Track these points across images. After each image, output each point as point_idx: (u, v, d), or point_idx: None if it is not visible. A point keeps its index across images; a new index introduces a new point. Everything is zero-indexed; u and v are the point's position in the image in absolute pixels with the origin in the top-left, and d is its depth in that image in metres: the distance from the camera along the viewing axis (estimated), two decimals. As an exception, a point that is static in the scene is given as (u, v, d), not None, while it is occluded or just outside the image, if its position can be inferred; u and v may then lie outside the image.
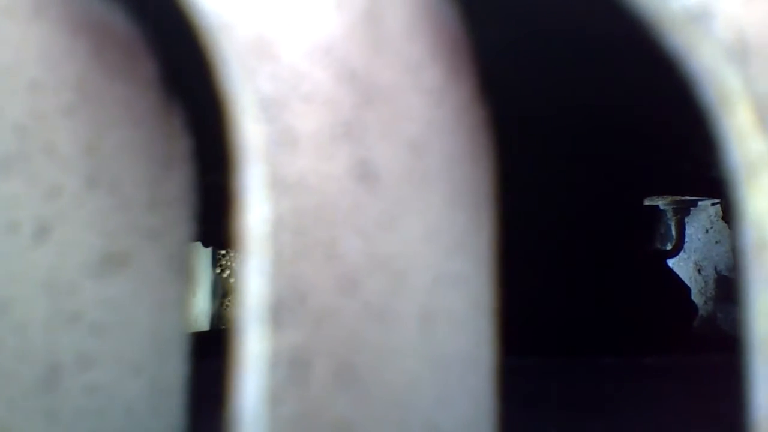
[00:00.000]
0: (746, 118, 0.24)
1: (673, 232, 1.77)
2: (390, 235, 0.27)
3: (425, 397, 0.31)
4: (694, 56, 0.24)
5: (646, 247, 1.44)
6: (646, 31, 0.25)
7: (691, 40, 0.24)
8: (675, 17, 0.24)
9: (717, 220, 1.84)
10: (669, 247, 1.77)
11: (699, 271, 1.89)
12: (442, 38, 0.32)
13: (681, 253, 1.83)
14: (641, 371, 0.93)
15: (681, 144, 1.11)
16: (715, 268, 1.85)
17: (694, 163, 1.21)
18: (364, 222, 0.26)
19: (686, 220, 1.79)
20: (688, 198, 1.68)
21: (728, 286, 1.79)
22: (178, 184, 0.33)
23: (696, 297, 1.83)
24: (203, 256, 2.01)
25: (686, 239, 1.81)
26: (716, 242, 1.87)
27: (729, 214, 1.67)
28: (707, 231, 1.90)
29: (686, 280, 1.88)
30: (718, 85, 0.24)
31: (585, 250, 1.14)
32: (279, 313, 0.22)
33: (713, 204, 1.82)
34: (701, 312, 1.86)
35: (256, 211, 0.22)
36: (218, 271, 2.05)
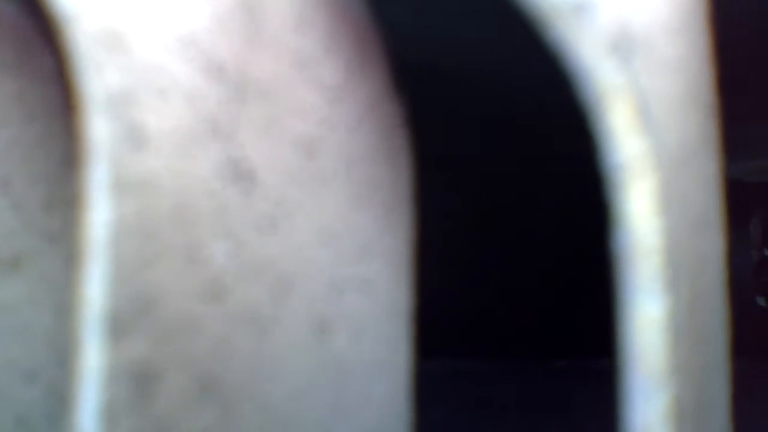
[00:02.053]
0: (626, 116, 0.22)
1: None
2: (271, 238, 0.26)
3: (319, 406, 0.29)
4: (574, 50, 0.23)
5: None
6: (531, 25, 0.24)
7: (571, 34, 0.23)
8: (555, 9, 0.23)
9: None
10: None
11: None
12: (342, 29, 0.30)
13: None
14: (599, 373, 0.91)
15: None
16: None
17: None
18: (237, 225, 0.25)
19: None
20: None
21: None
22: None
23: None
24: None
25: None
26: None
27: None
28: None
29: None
30: (599, 81, 0.22)
31: (550, 252, 1.13)
32: (119, 323, 0.21)
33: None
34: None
35: (96, 213, 0.20)
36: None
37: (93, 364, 0.21)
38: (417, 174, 0.35)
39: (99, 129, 0.21)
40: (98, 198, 0.21)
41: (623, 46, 0.23)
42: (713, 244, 0.25)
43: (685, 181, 0.24)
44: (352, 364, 0.30)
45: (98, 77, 0.22)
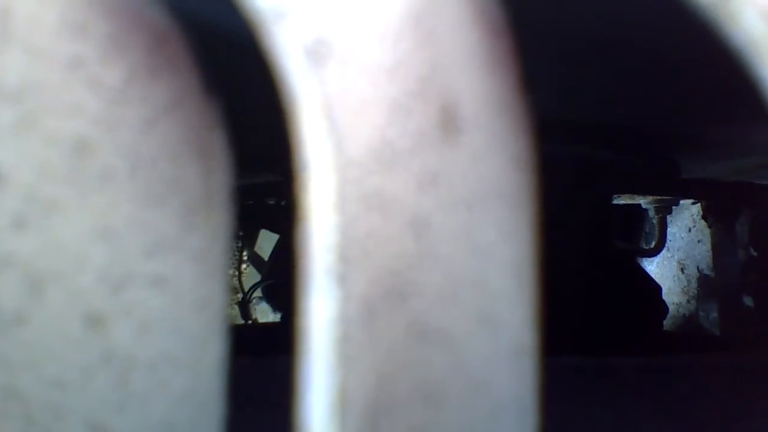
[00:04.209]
0: (312, 119, 0.23)
1: (656, 231, 1.76)
2: (22, 235, 0.27)
3: (97, 398, 0.30)
4: (274, 55, 0.24)
5: (613, 246, 1.42)
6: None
7: (272, 39, 0.24)
8: (260, 15, 0.24)
9: (699, 219, 1.82)
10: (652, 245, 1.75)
11: (682, 269, 1.87)
12: (129, 32, 0.31)
13: (665, 252, 1.81)
14: (599, 372, 0.91)
15: (643, 143, 1.10)
16: (698, 267, 1.83)
17: (660, 163, 1.20)
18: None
19: (669, 218, 1.77)
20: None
21: (710, 285, 1.77)
22: None
23: (679, 296, 1.82)
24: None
25: (670, 238, 1.79)
26: (698, 241, 1.85)
27: (709, 215, 1.65)
28: (690, 230, 1.88)
29: (669, 279, 1.86)
30: (292, 85, 0.23)
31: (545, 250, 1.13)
32: None
33: (694, 203, 1.81)
34: (683, 311, 1.84)
35: None
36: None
37: None
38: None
39: None
40: None
41: (317, 52, 0.23)
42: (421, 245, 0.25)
43: (399, 181, 0.25)
44: (140, 359, 0.31)
45: None
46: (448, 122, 0.28)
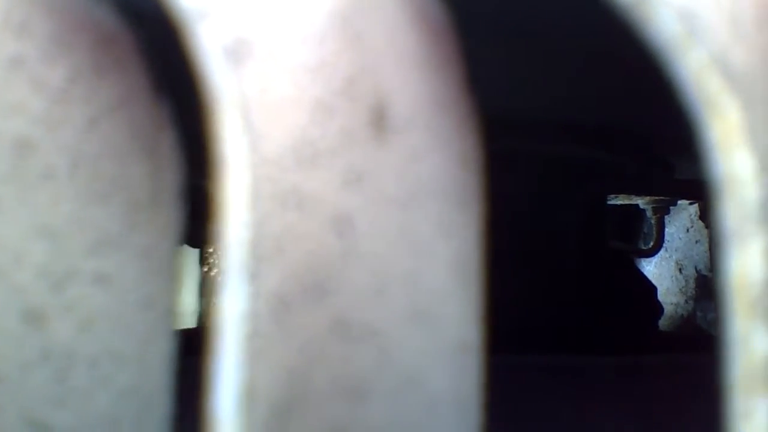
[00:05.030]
0: (233, 120, 0.23)
1: (654, 231, 1.75)
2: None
3: (39, 393, 0.31)
4: (199, 56, 0.24)
5: (607, 246, 1.42)
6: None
7: (194, 39, 0.24)
8: (184, 15, 0.24)
9: (697, 220, 1.82)
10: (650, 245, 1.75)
11: (680, 270, 1.87)
12: (73, 33, 0.32)
13: (663, 252, 1.81)
14: (592, 371, 0.92)
15: (641, 144, 1.10)
16: (695, 268, 1.83)
17: (656, 163, 1.20)
18: None
19: (667, 219, 1.77)
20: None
21: (708, 286, 1.77)
22: None
23: (676, 296, 1.81)
24: (190, 255, 2.03)
25: (667, 238, 1.79)
26: (696, 242, 1.85)
27: (706, 215, 1.65)
28: (688, 230, 1.88)
29: (667, 279, 1.86)
30: (212, 85, 0.24)
31: (538, 249, 1.13)
32: None
33: (691, 203, 1.81)
34: (681, 311, 1.84)
35: None
36: (205, 269, 2.08)
37: None
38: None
39: None
40: None
41: (236, 52, 0.24)
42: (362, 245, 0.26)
43: (320, 179, 0.25)
44: (81, 354, 0.32)
45: None
46: (379, 121, 0.28)
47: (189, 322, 1.94)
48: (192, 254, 1.99)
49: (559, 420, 0.59)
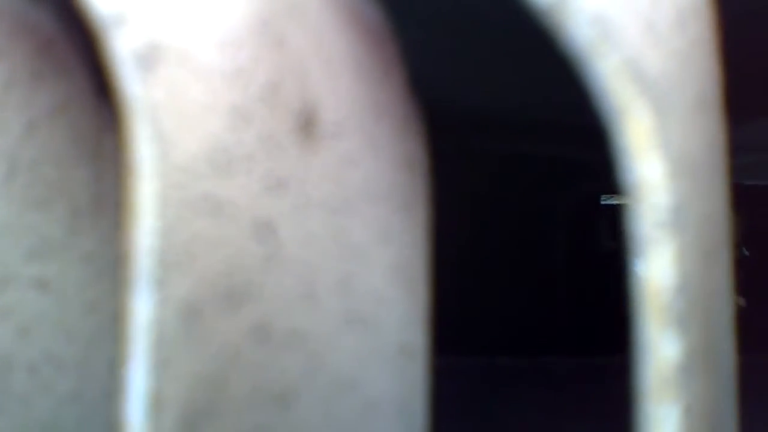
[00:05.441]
0: (142, 126, 0.23)
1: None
2: None
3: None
4: (112, 62, 0.24)
5: (601, 246, 1.42)
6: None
7: (109, 44, 0.24)
8: (98, 23, 0.24)
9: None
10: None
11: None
12: (10, 36, 0.32)
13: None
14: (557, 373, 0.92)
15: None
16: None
17: None
18: None
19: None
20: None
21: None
22: None
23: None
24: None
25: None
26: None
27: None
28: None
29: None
30: (125, 91, 0.24)
31: (530, 249, 1.14)
32: None
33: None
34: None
35: None
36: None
37: None
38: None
39: None
40: None
41: (148, 57, 0.24)
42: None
43: (237, 186, 0.25)
44: (20, 360, 0.32)
45: None
46: (307, 127, 0.28)
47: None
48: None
49: (526, 421, 0.59)
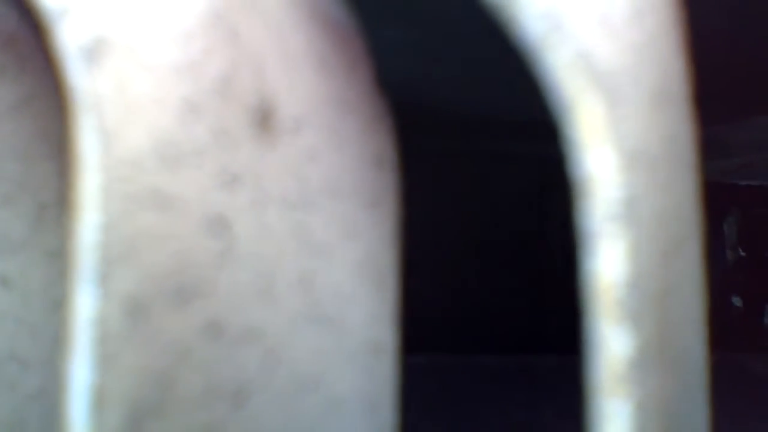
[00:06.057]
0: (87, 120, 0.23)
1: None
2: None
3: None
4: (59, 55, 0.24)
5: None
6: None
7: (57, 39, 0.24)
8: (45, 16, 0.24)
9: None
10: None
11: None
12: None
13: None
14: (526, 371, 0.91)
15: None
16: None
17: None
18: None
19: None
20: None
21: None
22: None
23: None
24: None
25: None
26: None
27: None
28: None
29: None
30: (71, 85, 0.23)
31: (525, 248, 1.13)
32: None
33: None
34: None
35: None
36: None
37: None
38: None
39: None
40: None
41: (93, 51, 0.23)
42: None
43: (187, 180, 0.25)
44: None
45: None
46: (264, 122, 0.28)
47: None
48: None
49: (512, 420, 0.59)
